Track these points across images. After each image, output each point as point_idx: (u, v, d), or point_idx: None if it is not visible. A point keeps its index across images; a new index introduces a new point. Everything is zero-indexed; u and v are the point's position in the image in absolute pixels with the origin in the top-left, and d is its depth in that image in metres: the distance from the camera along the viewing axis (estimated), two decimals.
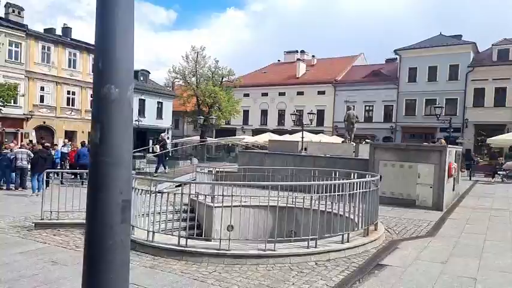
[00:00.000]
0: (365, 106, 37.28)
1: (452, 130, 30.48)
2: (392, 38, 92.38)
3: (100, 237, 1.14)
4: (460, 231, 7.41)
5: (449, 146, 10.62)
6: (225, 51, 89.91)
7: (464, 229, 7.60)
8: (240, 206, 6.05)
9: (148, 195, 5.71)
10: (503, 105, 32.35)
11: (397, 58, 37.12)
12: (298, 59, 43.31)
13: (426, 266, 5.13)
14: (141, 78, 38.49)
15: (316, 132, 30.39)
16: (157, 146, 16.26)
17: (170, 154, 19.24)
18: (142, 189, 5.80)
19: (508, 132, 28.58)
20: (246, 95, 42.71)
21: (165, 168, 16.46)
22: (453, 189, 11.38)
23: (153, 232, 5.26)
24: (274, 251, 5.09)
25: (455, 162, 11.34)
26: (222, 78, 34.88)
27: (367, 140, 15.09)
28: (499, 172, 18.66)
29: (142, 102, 37.45)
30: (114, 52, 1.13)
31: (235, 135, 37.56)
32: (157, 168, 16.37)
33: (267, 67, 48.02)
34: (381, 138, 34.99)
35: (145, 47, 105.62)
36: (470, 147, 32.38)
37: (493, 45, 33.50)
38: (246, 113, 43.09)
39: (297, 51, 46.08)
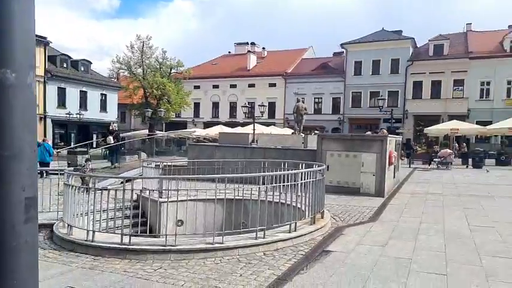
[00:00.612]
0: (314, 98, 38.31)
1: (394, 121, 32.30)
2: (340, 32, 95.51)
3: (0, 239, 1.02)
4: (399, 215, 7.86)
5: (389, 135, 11.19)
6: (174, 42, 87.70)
7: (403, 213, 8.08)
8: (188, 200, 5.92)
9: (88, 192, 5.41)
10: (439, 98, 34.80)
11: (343, 52, 38.43)
12: (248, 51, 43.36)
13: (367, 249, 5.38)
14: (82, 69, 36.33)
15: (267, 125, 30.74)
16: (111, 138, 15.46)
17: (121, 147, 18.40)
18: (80, 187, 5.47)
19: (443, 122, 30.86)
20: (197, 87, 42.05)
21: (117, 162, 15.66)
22: (394, 177, 12.06)
23: (93, 231, 4.99)
24: (223, 243, 5.06)
25: (395, 151, 12.01)
26: (171, 70, 33.93)
27: (315, 131, 15.50)
28: (434, 159, 20.06)
29: (83, 95, 35.44)
30: (10, 32, 1.00)
31: (186, 128, 36.85)
32: (112, 161, 15.58)
33: (218, 59, 47.55)
34: (330, 130, 36.21)
35: (86, 36, 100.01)
36: (410, 136, 34.56)
37: (429, 40, 35.81)
38: (196, 105, 42.46)
39: (247, 43, 46.07)
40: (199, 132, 30.19)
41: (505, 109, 31.61)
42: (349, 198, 9.75)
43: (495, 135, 29.47)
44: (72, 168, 9.34)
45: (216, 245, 4.99)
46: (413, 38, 35.84)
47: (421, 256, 5.05)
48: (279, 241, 5.44)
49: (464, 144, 27.33)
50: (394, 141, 11.93)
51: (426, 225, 6.89)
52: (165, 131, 34.32)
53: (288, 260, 4.91)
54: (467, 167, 20.47)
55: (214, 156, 11.03)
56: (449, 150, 20.40)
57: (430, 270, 4.51)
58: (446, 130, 26.64)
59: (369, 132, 15.95)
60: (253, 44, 46.05)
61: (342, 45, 37.37)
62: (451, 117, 31.16)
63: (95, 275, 4.30)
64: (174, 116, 36.97)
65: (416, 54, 35.97)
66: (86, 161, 11.98)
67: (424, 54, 35.59)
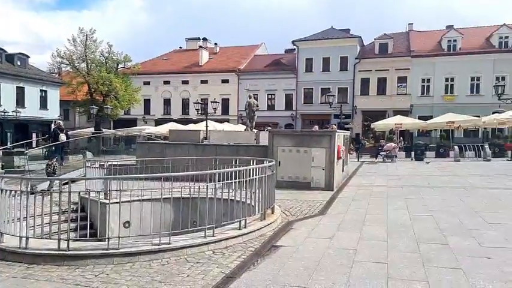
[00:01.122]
0: (267, 94, 38.70)
1: (344, 116, 33.43)
2: (292, 28, 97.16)
3: None
4: (346, 208, 8.14)
5: (338, 131, 11.55)
6: (121, 36, 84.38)
7: (350, 206, 8.38)
8: (135, 200, 5.70)
9: (22, 196, 5.00)
10: (385, 94, 36.58)
11: (295, 49, 39.11)
12: (200, 47, 42.72)
13: (315, 242, 5.49)
14: (18, 63, 33.73)
15: (221, 121, 30.55)
16: (62, 135, 14.37)
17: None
18: (13, 190, 5.05)
19: (388, 117, 32.48)
20: (146, 83, 40.78)
21: (57, 161, 14.64)
22: (343, 170, 12.48)
23: (27, 238, 4.63)
24: (170, 244, 4.93)
25: (343, 145, 12.43)
26: (118, 65, 32.58)
27: (268, 128, 15.64)
28: (380, 153, 21.07)
29: (20, 91, 32.94)
30: None
31: (136, 126, 35.64)
32: (62, 159, 14.55)
33: (168, 54, 46.42)
34: (284, 126, 36.79)
35: (24, 28, 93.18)
36: (359, 131, 36.04)
37: (375, 39, 37.46)
38: (147, 102, 41.17)
39: (199, 39, 45.37)
40: (150, 129, 29.30)
41: (443, 104, 33.91)
42: (300, 193, 9.94)
43: (435, 129, 31.53)
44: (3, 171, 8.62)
45: (163, 246, 4.85)
46: (360, 37, 37.32)
47: (365, 246, 5.25)
48: (228, 238, 5.40)
49: (401, 137, 29.02)
50: (343, 136, 12.33)
51: (371, 217, 7.19)
52: (113, 129, 32.93)
53: (238, 257, 4.89)
54: (412, 159, 21.67)
55: (164, 155, 10.73)
56: (394, 144, 21.53)
57: (373, 259, 4.70)
58: (391, 125, 28.08)
59: (315, 127, 16.49)
60: (205, 39, 45.47)
61: (293, 42, 38.02)
62: (396, 112, 32.87)
63: (28, 284, 4.00)
64: (123, 113, 35.58)
65: (364, 52, 37.50)
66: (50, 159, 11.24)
67: (370, 52, 37.19)
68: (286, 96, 38.59)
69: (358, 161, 21.39)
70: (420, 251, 4.99)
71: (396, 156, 21.26)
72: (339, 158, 11.05)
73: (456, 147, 21.69)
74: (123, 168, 8.88)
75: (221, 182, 6.18)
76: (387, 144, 21.46)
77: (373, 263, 4.55)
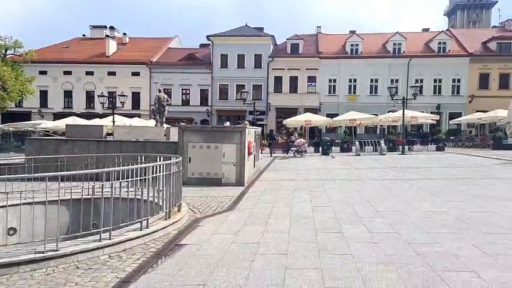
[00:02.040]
0: (182, 89, 37.83)
1: (258, 113, 34.22)
2: (207, 23, 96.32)
3: None
4: (255, 202, 8.29)
5: (249, 127, 11.71)
6: (13, 21, 74.87)
7: (259, 200, 8.55)
8: (22, 203, 5.02)
9: None
10: (296, 92, 38.34)
11: (210, 44, 38.85)
12: (107, 36, 39.86)
13: (221, 238, 5.46)
14: None
15: (131, 116, 28.95)
16: None
17: None
18: None
19: (300, 114, 34.15)
20: (43, 73, 36.81)
21: None
22: (254, 166, 12.72)
23: None
24: (58, 251, 4.43)
25: (255, 141, 12.67)
26: (6, 51, 28.80)
27: (181, 123, 15.22)
28: (291, 148, 22.05)
29: None
30: None
31: (30, 120, 31.89)
32: None
33: (70, 41, 42.45)
34: (199, 121, 36.35)
35: None
36: (273, 127, 37.30)
37: (287, 39, 39.02)
38: (43, 94, 37.15)
39: (105, 27, 42.31)
40: (47, 124, 26.34)
41: (347, 103, 36.78)
42: (211, 189, 9.88)
43: (340, 126, 34.07)
44: None
45: (49, 254, 4.34)
46: (273, 36, 38.53)
47: (268, 239, 5.37)
48: (127, 240, 5.07)
49: (303, 133, 30.80)
50: (254, 132, 12.56)
51: (277, 210, 7.42)
52: (1, 124, 29.00)
53: (136, 260, 4.61)
54: (320, 154, 23.06)
55: (59, 152, 9.74)
56: (303, 140, 22.70)
57: (274, 251, 4.82)
58: (301, 122, 29.55)
59: (227, 123, 16.60)
60: (112, 28, 42.54)
61: (208, 37, 37.69)
62: (307, 110, 34.73)
63: None
64: (14, 106, 31.61)
65: (277, 51, 38.81)
66: None
67: (282, 52, 38.64)
68: (201, 92, 38.17)
69: (271, 156, 22.09)
70: (318, 240, 5.27)
71: (306, 151, 22.46)
72: (249, 153, 11.22)
73: (357, 142, 23.70)
74: (11, 168, 7.83)
75: (123, 181, 5.79)
76: (297, 140, 22.54)
77: (274, 255, 4.67)
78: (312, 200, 8.38)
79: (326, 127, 35.42)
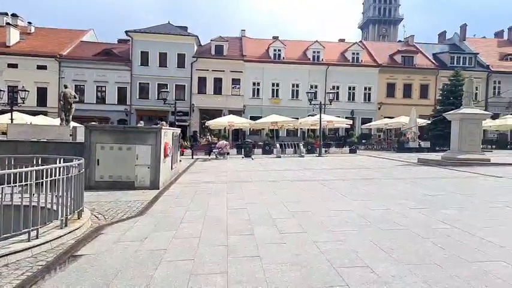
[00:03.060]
0: (97, 86, 35.38)
1: (181, 114, 33.46)
2: (125, 18, 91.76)
3: None
4: (168, 206, 7.93)
5: (166, 127, 11.27)
6: None
7: (173, 204, 8.21)
8: None
9: None
10: (221, 94, 38.28)
11: (129, 39, 36.99)
12: (8, 23, 35.69)
13: (124, 246, 5.07)
14: None
15: (36, 114, 26.20)
16: None
17: None
18: None
19: (224, 116, 34.14)
20: None
21: None
22: (171, 168, 12.27)
23: None
24: None
25: (173, 142, 12.23)
26: None
27: (93, 123, 14.09)
28: (213, 150, 21.86)
29: None
30: None
31: None
32: None
33: None
34: (116, 121, 34.30)
35: None
36: (196, 129, 36.72)
37: (211, 40, 38.79)
38: None
39: (6, 14, 37.84)
40: None
41: (271, 106, 37.76)
42: (123, 193, 9.26)
43: (263, 129, 34.80)
44: None
45: None
46: (197, 36, 38.04)
47: (177, 245, 5.13)
48: (10, 254, 4.44)
49: (226, 135, 30.99)
50: (171, 133, 12.12)
51: (191, 214, 7.18)
52: None
53: (19, 276, 4.05)
54: (243, 158, 23.17)
55: None
56: (225, 142, 22.66)
57: (181, 257, 4.60)
58: (225, 123, 29.54)
59: (141, 123, 15.87)
60: (14, 15, 38.21)
61: (127, 32, 35.82)
62: (231, 111, 34.87)
63: None
64: None
65: (201, 52, 38.37)
66: None
67: (207, 53, 38.33)
68: (119, 90, 36.09)
69: (192, 158, 21.64)
70: (228, 243, 5.17)
71: (228, 153, 22.45)
72: (166, 155, 10.79)
73: (278, 145, 24.38)
74: None
75: (8, 186, 5.08)
76: (220, 142, 22.44)
77: (180, 261, 4.45)
78: (228, 202, 8.29)
79: (250, 129, 35.92)
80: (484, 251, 4.66)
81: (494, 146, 32.94)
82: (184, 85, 37.00)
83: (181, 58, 36.62)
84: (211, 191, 9.98)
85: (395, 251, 4.68)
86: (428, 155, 22.35)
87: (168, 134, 11.24)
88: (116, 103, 35.68)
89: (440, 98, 34.82)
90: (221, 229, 5.94)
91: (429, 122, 31.92)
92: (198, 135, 33.97)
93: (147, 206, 7.96)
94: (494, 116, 35.60)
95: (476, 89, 40.14)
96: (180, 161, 16.25)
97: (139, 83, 36.21)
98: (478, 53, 43.21)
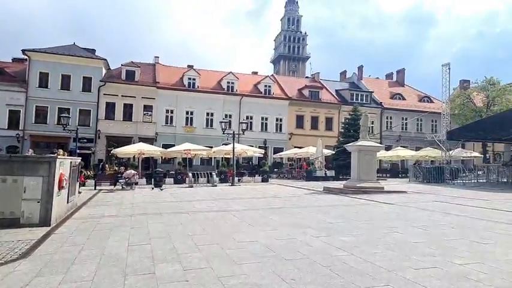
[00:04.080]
0: None
1: (85, 140, 31.03)
2: (23, 36, 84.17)
3: None
4: (59, 245, 7.06)
5: (61, 157, 10.24)
6: None
7: (66, 242, 7.34)
8: None
9: None
10: (131, 120, 36.66)
11: (26, 59, 33.71)
12: None
13: None
14: None
15: None
16: None
17: None
18: None
19: (134, 143, 32.54)
20: None
21: None
22: (68, 201, 11.09)
23: None
24: None
25: (72, 173, 11.13)
26: None
27: None
28: (120, 180, 20.49)
29: None
30: None
31: None
32: None
33: None
34: (4, 148, 30.33)
35: None
36: (102, 157, 34.29)
37: (122, 65, 37.39)
38: None
39: None
40: None
41: (184, 134, 37.23)
42: (4, 232, 8.01)
43: (175, 157, 33.96)
44: None
45: None
46: (106, 60, 36.35)
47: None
48: None
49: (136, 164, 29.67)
50: (69, 163, 11.04)
51: (85, 253, 6.47)
52: None
53: None
54: (153, 188, 22.06)
55: None
56: (133, 171, 21.46)
57: None
58: (134, 152, 28.13)
59: (30, 151, 14.27)
60: None
61: (24, 51, 32.64)
62: (142, 139, 33.48)
63: None
64: None
65: (110, 76, 36.64)
66: None
67: (117, 77, 36.76)
68: (10, 113, 32.28)
69: (95, 189, 19.97)
70: (125, 284, 4.73)
71: (136, 183, 21.26)
72: (61, 187, 9.72)
73: (190, 174, 23.90)
74: None
75: None
76: (127, 172, 21.19)
77: None
78: (130, 237, 7.70)
79: (162, 158, 34.76)
80: (374, 276, 4.98)
81: (388, 175, 36.79)
82: (90, 110, 34.62)
83: (87, 82, 34.39)
84: (112, 226, 9.20)
85: (297, 282, 4.75)
86: (332, 183, 23.99)
87: (65, 164, 10.20)
88: (6, 128, 31.69)
89: (342, 130, 38.11)
90: (119, 269, 5.43)
91: (333, 152, 34.53)
92: (104, 163, 31.71)
93: (34, 246, 6.98)
94: (388, 148, 40.14)
95: (372, 123, 44.97)
96: (80, 192, 14.85)
97: (36, 106, 32.84)
98: (373, 91, 48.76)
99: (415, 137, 46.47)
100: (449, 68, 30.13)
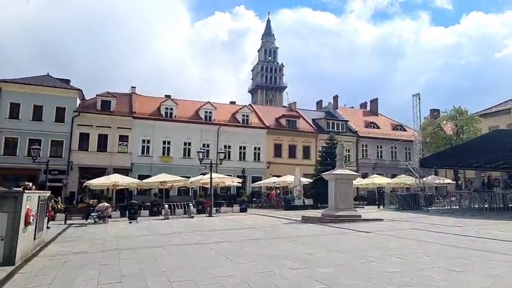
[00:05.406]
0: None
1: (56, 172, 30.01)
2: None
3: None
4: (23, 286, 6.62)
5: (29, 191, 9.81)
6: None
7: (30, 283, 6.90)
8: None
9: None
10: (106, 151, 35.89)
11: None
12: None
13: None
14: None
15: None
16: None
17: None
18: None
19: (109, 174, 31.67)
20: None
21: None
22: (35, 238, 10.53)
23: None
24: None
25: (40, 207, 10.64)
26: None
27: None
28: (92, 214, 19.74)
29: None
30: None
31: None
32: None
33: None
34: None
35: None
36: (75, 189, 33.16)
37: (97, 95, 37.03)
38: None
39: None
40: None
41: (161, 165, 36.64)
42: None
43: (151, 188, 33.22)
44: None
45: None
46: (81, 90, 35.96)
47: None
48: None
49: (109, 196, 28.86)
50: (38, 198, 10.57)
51: None
52: None
53: None
54: (130, 222, 21.27)
55: None
56: (106, 204, 20.78)
57: None
58: (108, 183, 27.36)
59: None
60: None
61: None
62: (117, 170, 32.65)
63: None
64: None
65: (85, 106, 36.17)
66: None
67: (91, 107, 36.28)
68: None
69: (65, 223, 19.12)
70: None
71: (110, 216, 20.54)
72: (27, 223, 9.24)
73: (166, 205, 23.33)
74: None
75: None
76: (100, 205, 20.49)
77: None
78: (99, 276, 7.31)
79: (137, 189, 33.90)
80: None
81: (365, 202, 37.10)
82: (63, 141, 33.75)
83: (60, 112, 33.71)
84: (81, 263, 8.75)
85: None
86: (310, 212, 23.93)
87: (32, 199, 9.75)
88: None
89: (320, 158, 38.50)
90: None
91: (311, 180, 34.70)
92: (76, 196, 30.64)
93: None
94: (364, 175, 40.72)
95: (348, 151, 45.78)
96: (49, 227, 14.17)
97: (6, 138, 31.76)
98: (348, 120, 49.98)
99: (390, 164, 47.48)
100: (419, 98, 31.43)
